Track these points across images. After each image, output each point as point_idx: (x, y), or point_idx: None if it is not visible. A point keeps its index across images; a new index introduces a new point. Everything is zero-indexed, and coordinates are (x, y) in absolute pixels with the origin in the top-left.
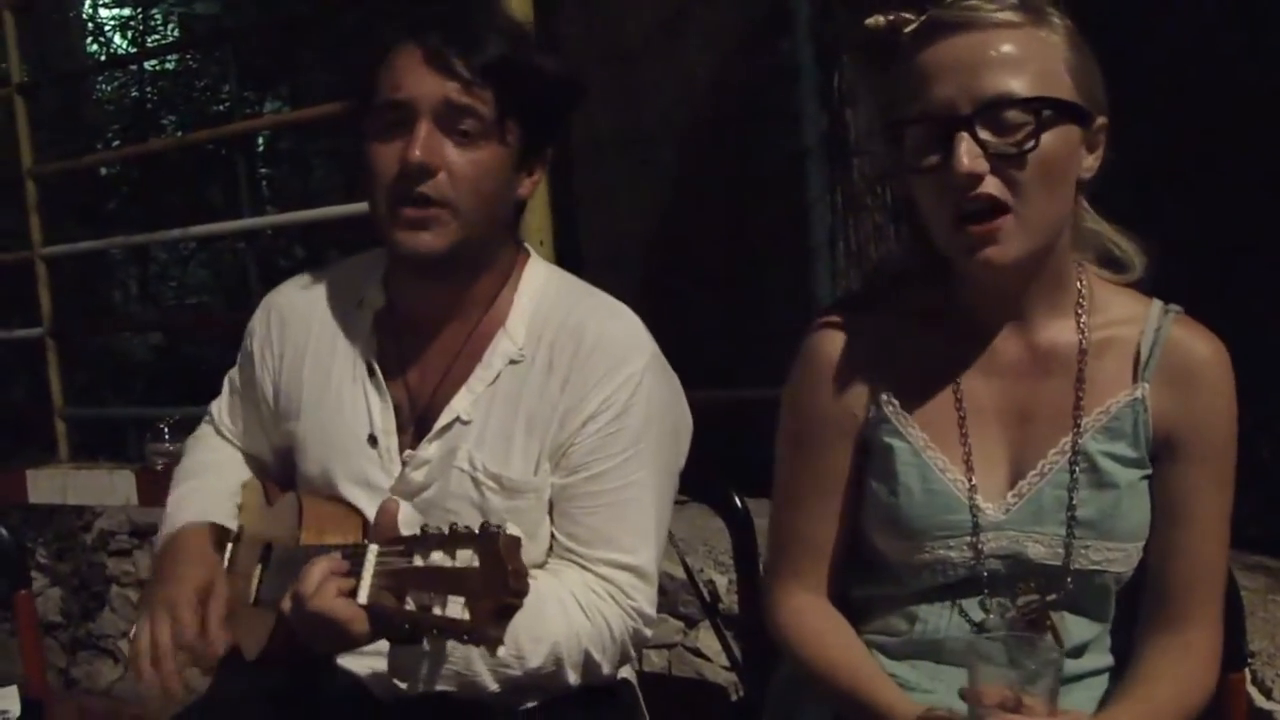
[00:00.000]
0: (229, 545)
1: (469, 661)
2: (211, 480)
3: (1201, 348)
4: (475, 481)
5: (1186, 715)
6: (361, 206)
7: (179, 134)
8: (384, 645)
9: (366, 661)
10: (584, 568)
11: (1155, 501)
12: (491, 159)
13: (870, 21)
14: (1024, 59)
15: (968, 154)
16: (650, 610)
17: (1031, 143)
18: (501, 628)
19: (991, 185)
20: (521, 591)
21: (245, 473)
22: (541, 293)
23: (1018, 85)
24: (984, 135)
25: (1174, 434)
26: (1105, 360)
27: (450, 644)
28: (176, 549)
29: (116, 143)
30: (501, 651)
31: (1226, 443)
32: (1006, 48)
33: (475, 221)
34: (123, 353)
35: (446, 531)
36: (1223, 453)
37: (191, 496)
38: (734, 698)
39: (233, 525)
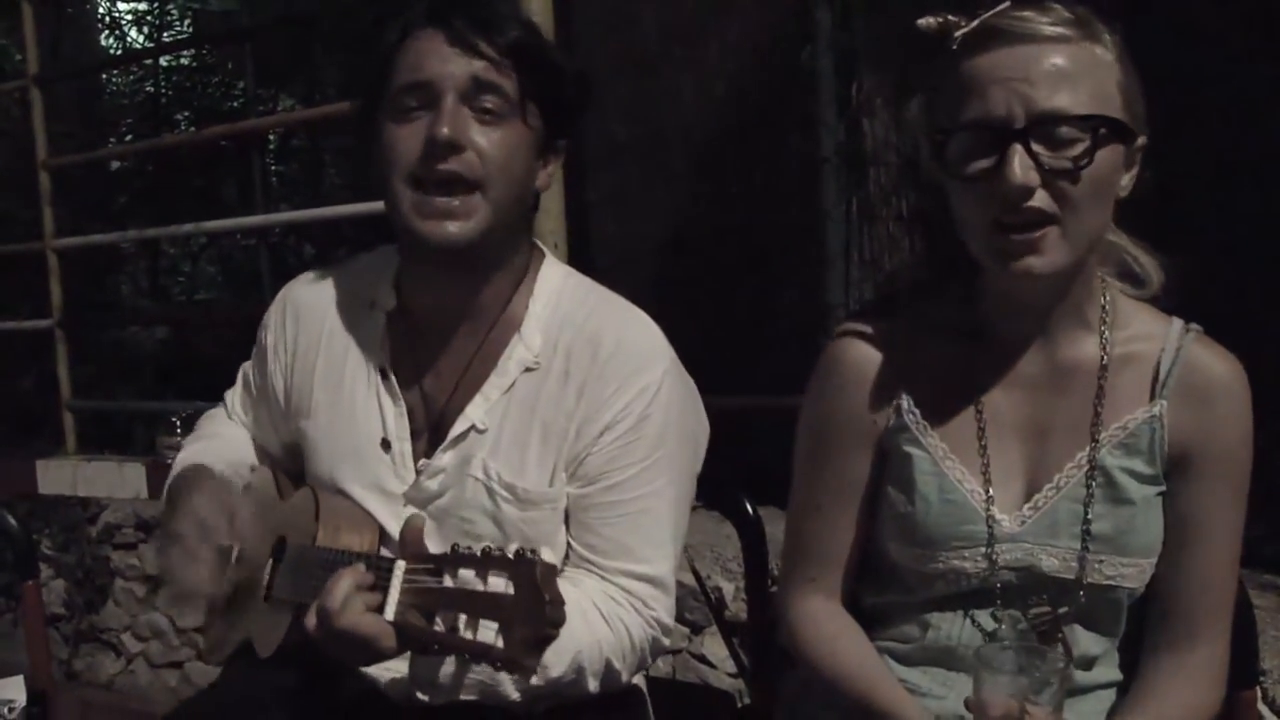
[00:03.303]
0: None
1: (493, 673)
2: (220, 444)
3: (1219, 367)
4: (490, 491)
5: None
6: (372, 206)
7: (192, 130)
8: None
9: (385, 665)
10: (602, 578)
11: (1167, 519)
12: (516, 138)
13: (923, 22)
14: (1079, 75)
15: (1020, 165)
16: (669, 620)
17: (1087, 159)
18: (536, 657)
19: (1041, 199)
20: (559, 622)
21: (252, 452)
22: (558, 296)
23: (1073, 101)
24: (1036, 148)
25: (1189, 452)
26: (1125, 376)
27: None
28: (189, 479)
29: (130, 137)
30: None
31: (1241, 462)
32: (1063, 62)
33: (504, 205)
34: (131, 346)
35: (478, 553)
36: (1237, 472)
37: (201, 453)
38: (739, 704)
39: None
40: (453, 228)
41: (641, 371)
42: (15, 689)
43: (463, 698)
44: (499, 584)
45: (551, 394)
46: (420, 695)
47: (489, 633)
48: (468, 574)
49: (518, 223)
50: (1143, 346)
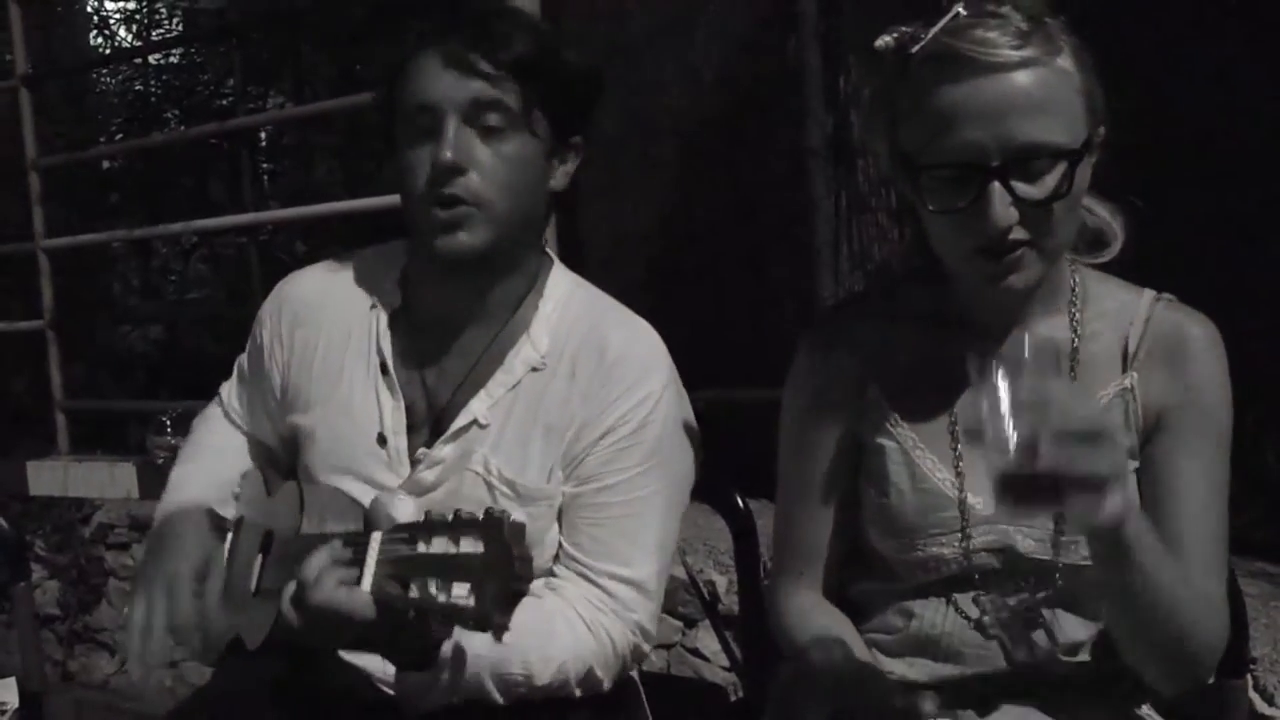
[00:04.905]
0: (229, 533)
1: (481, 683)
2: (213, 464)
3: (1190, 325)
4: (489, 486)
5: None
6: (362, 203)
7: (182, 128)
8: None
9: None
10: (587, 578)
11: (1149, 478)
12: (521, 151)
13: (880, 43)
14: (1049, 102)
15: (1000, 202)
16: (651, 626)
17: (1066, 187)
18: (507, 614)
19: (1018, 231)
20: (528, 578)
21: (247, 461)
22: (566, 302)
23: (1048, 133)
24: (1014, 183)
25: (1165, 409)
26: (1097, 353)
27: (466, 668)
28: (174, 527)
29: (120, 136)
30: (512, 671)
31: (1218, 416)
32: (1032, 91)
33: (508, 218)
34: (123, 346)
35: (450, 518)
36: (1214, 425)
37: (193, 478)
38: (733, 698)
39: (229, 512)
40: (462, 238)
41: (644, 380)
42: (7, 691)
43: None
44: (470, 545)
45: (556, 395)
46: (407, 705)
47: (462, 594)
48: (441, 539)
49: (529, 230)
50: (1113, 322)
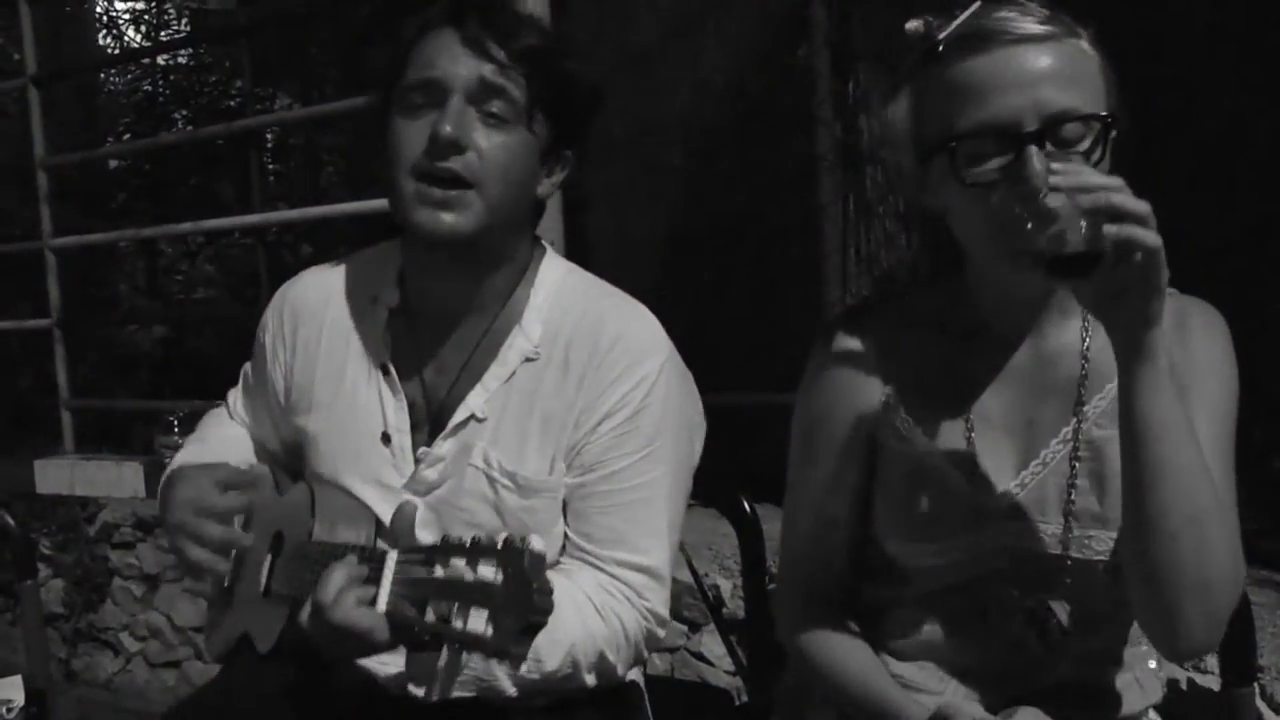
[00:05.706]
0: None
1: (488, 667)
2: (216, 449)
3: (1190, 309)
4: (490, 479)
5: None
6: (368, 204)
7: (190, 129)
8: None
9: (381, 658)
10: (597, 567)
11: None
12: (519, 144)
13: (910, 26)
14: (1077, 73)
15: (1039, 162)
16: (663, 610)
17: (1100, 155)
18: (525, 645)
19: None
20: (546, 609)
21: (249, 452)
22: (558, 289)
23: (1080, 100)
24: (1050, 150)
25: None
26: (1105, 349)
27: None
28: (172, 479)
29: (127, 136)
30: None
31: (1219, 385)
32: (1060, 62)
33: (499, 208)
34: (129, 345)
35: (467, 542)
36: (1217, 394)
37: (188, 458)
38: (737, 702)
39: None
40: (449, 218)
41: (640, 363)
42: (13, 689)
43: (457, 693)
44: (488, 572)
45: (552, 384)
46: (416, 691)
47: (479, 622)
48: (458, 563)
49: (518, 222)
50: None
